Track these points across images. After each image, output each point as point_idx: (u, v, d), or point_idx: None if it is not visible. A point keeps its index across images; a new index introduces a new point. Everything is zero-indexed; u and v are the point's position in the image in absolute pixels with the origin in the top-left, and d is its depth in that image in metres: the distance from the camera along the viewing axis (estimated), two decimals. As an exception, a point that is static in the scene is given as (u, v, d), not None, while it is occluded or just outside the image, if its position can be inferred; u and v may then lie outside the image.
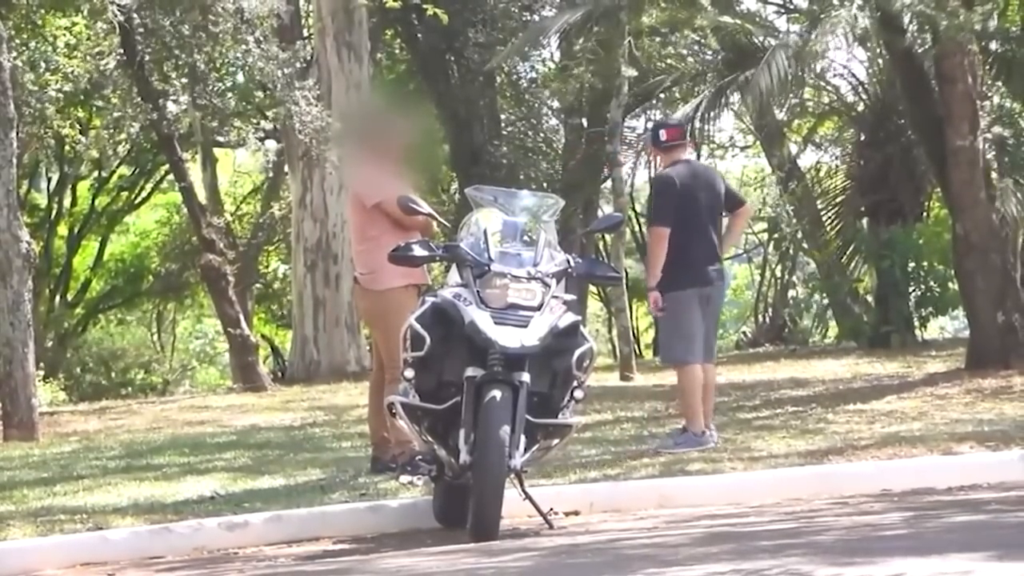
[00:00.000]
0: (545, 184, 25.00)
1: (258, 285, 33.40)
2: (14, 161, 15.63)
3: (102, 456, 12.88)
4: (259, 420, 15.81)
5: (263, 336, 33.51)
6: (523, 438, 7.96)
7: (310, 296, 23.02)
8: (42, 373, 24.78)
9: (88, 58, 21.38)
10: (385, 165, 10.26)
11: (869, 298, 21.06)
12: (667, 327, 11.20)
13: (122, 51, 20.53)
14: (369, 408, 10.68)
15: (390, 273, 9.93)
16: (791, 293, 28.44)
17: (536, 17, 26.18)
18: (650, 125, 25.56)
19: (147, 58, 20.59)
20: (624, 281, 20.18)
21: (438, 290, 8.59)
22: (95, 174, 34.16)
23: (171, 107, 22.48)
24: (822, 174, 24.62)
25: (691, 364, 10.77)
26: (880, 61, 21.20)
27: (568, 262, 8.44)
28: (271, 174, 33.03)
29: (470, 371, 7.99)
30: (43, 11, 21.40)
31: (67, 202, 34.41)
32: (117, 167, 33.87)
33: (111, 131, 26.67)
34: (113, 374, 33.03)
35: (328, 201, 23.10)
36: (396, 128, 10.47)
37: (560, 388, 8.20)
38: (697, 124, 20.38)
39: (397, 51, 29.64)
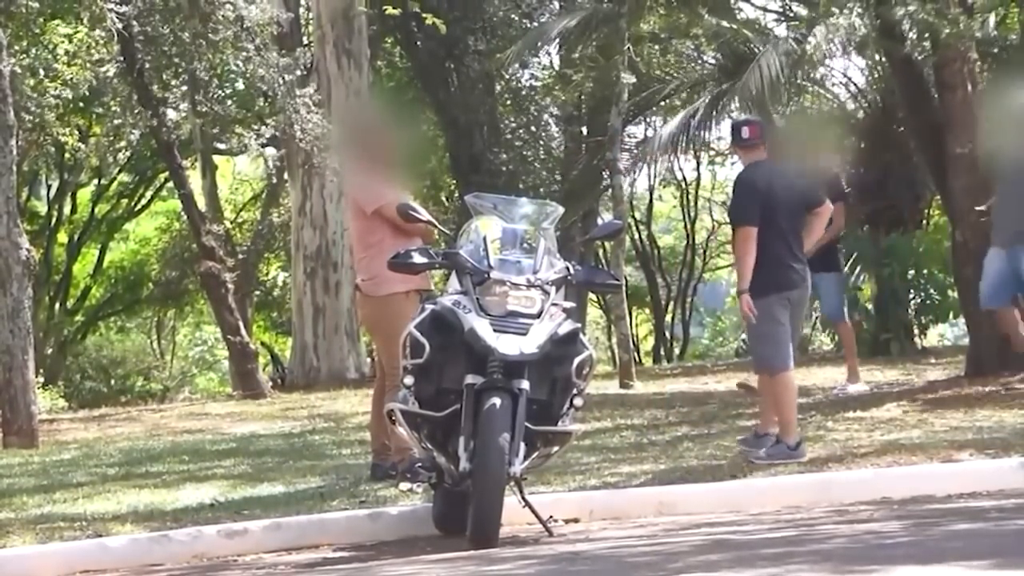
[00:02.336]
0: (544, 191, 25.01)
1: (258, 292, 33.42)
2: (14, 168, 15.63)
3: (101, 463, 12.87)
4: (258, 427, 15.80)
5: (263, 343, 33.54)
6: (523, 445, 7.96)
7: (310, 303, 23.03)
8: (42, 380, 24.78)
9: (88, 65, 21.36)
10: (383, 171, 10.25)
11: (869, 305, 21.04)
12: (755, 334, 10.56)
13: (122, 58, 20.53)
14: (371, 414, 10.67)
15: (392, 279, 9.92)
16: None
17: (536, 24, 26.19)
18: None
19: (147, 65, 20.59)
20: (624, 288, 20.17)
21: (438, 297, 8.59)
22: (95, 181, 34.20)
23: (171, 114, 22.50)
24: (822, 181, 24.58)
25: (785, 371, 10.38)
26: (879, 68, 21.20)
27: (567, 269, 8.44)
28: (272, 181, 33.05)
29: (469, 378, 7.99)
30: (43, 18, 21.40)
31: (67, 209, 34.43)
32: (117, 174, 33.92)
33: (111, 138, 26.71)
34: (113, 381, 33.01)
35: (328, 209, 23.10)
36: (393, 134, 10.46)
37: (559, 395, 8.20)
38: (694, 131, 20.37)
39: (397, 59, 29.67)
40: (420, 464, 8.60)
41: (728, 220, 10.54)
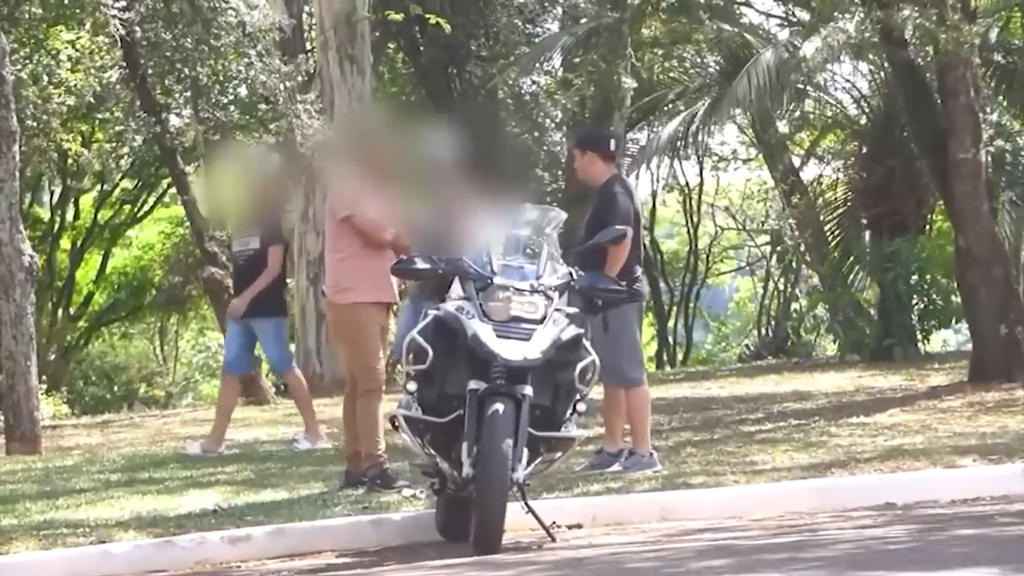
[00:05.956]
0: (548, 197, 25.00)
1: (261, 298, 33.38)
2: (17, 174, 15.63)
3: (104, 469, 12.86)
4: (261, 433, 15.80)
5: (266, 349, 33.47)
6: (525, 451, 7.96)
7: (312, 309, 23.00)
8: (45, 386, 24.78)
9: (91, 72, 21.39)
10: (367, 180, 10.06)
11: (872, 311, 21.05)
12: (618, 344, 10.38)
13: (125, 65, 20.56)
14: (344, 423, 10.62)
15: (356, 289, 9.98)
16: (794, 306, 28.47)
17: (539, 30, 26.18)
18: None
19: (150, 71, 20.62)
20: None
21: (441, 303, 8.59)
22: (98, 187, 34.21)
23: (173, 120, 22.50)
24: (824, 187, 24.63)
25: (641, 385, 10.62)
26: (882, 74, 21.22)
27: (571, 275, 8.45)
28: (274, 187, 33.02)
29: (473, 384, 7.99)
30: (46, 25, 21.43)
31: (70, 215, 34.45)
32: (120, 180, 33.92)
33: (114, 144, 26.72)
34: (115, 387, 33.05)
35: (330, 214, 23.08)
36: (383, 145, 10.36)
37: (563, 401, 8.20)
38: (691, 135, 20.35)
39: (399, 64, 29.67)
40: (395, 476, 8.62)
41: (621, 223, 10.27)
